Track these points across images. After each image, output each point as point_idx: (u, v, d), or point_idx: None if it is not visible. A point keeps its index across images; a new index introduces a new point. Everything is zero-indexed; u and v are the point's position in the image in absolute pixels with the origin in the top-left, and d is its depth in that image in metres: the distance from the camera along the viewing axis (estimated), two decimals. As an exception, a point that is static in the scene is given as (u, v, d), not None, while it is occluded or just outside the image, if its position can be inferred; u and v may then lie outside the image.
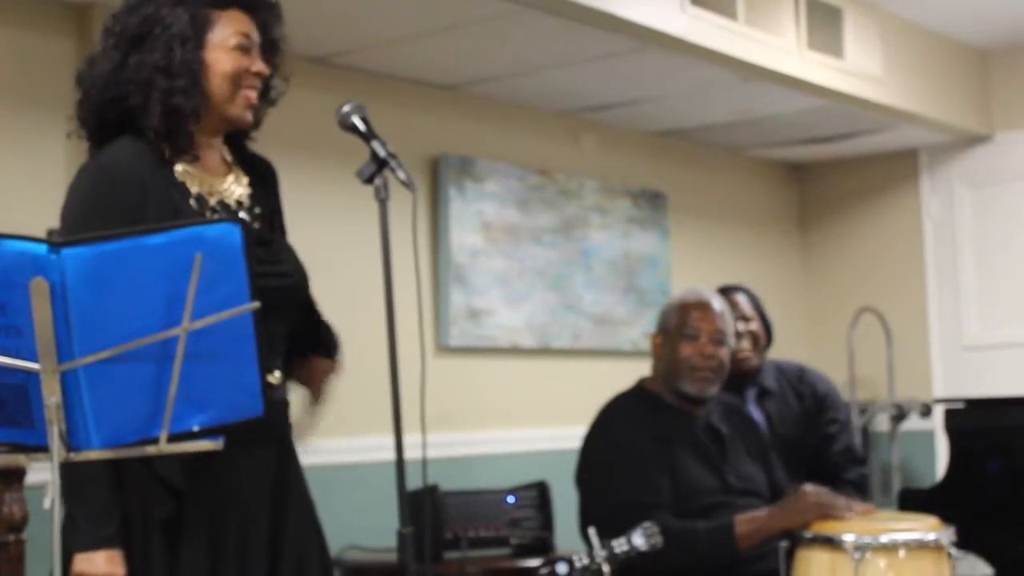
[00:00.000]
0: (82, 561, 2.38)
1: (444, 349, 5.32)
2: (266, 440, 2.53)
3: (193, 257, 2.01)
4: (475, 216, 5.47)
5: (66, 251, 1.99)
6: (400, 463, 2.49)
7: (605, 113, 5.98)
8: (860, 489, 4.50)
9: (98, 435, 2.06)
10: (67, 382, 2.02)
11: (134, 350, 2.02)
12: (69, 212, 2.48)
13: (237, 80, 2.54)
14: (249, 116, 2.59)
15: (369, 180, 2.61)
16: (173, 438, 2.09)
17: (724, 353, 3.93)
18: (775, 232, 7.23)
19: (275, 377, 2.56)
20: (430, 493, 4.33)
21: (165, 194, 2.48)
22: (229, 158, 2.65)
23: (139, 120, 2.49)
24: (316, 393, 2.74)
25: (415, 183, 2.55)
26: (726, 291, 4.57)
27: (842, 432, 4.57)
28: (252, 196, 2.65)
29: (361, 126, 2.61)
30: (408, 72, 5.17)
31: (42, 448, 2.05)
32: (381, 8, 4.41)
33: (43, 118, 4.16)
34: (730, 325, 3.99)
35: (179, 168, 2.54)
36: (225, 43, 2.54)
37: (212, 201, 2.56)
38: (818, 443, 4.51)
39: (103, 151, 2.51)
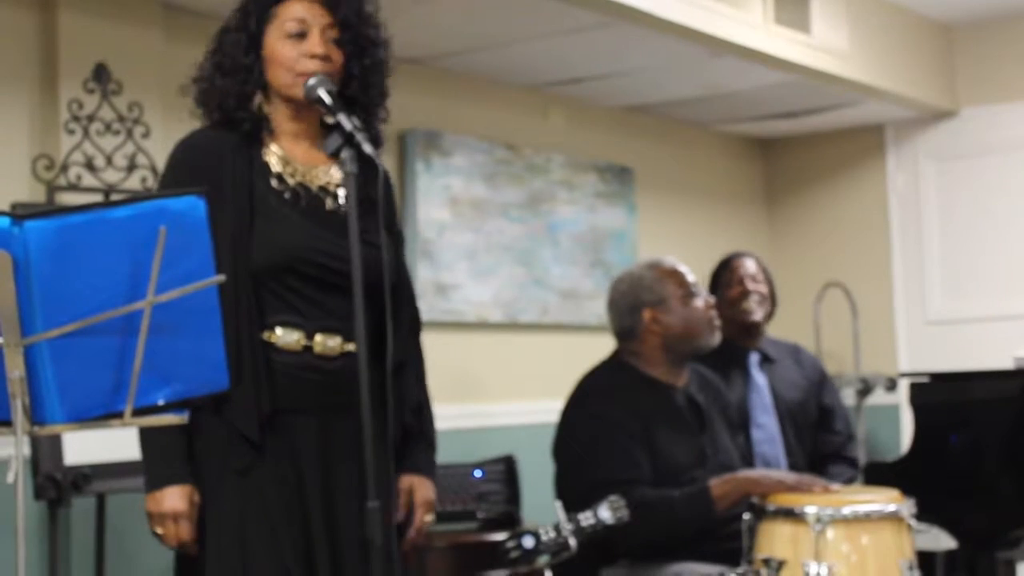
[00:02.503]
0: (150, 501, 2.55)
1: (411, 324, 5.31)
2: (350, 406, 2.56)
3: (157, 230, 2.01)
4: (442, 191, 5.46)
5: (29, 224, 1.98)
6: (366, 438, 2.49)
7: (572, 88, 5.97)
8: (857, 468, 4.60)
9: (62, 409, 2.05)
10: (31, 356, 2.01)
11: (98, 323, 2.02)
12: (159, 182, 2.74)
13: (292, 67, 2.66)
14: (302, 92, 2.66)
15: (335, 154, 2.61)
16: (138, 412, 2.09)
17: None
18: (741, 207, 7.25)
19: (352, 346, 2.61)
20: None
21: (245, 172, 2.63)
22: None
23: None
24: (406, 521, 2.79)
25: (381, 157, 2.55)
26: (735, 256, 4.72)
27: (841, 409, 4.69)
28: (342, 184, 2.71)
29: (327, 99, 2.61)
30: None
31: (5, 422, 2.04)
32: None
33: (7, 91, 4.13)
34: None
35: (268, 151, 2.69)
36: (280, 33, 2.66)
37: (292, 182, 2.68)
38: (822, 415, 4.62)
39: (196, 130, 2.73)
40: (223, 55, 2.69)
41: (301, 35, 2.66)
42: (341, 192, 2.71)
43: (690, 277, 4.00)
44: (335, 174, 2.72)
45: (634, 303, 4.01)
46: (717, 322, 4.00)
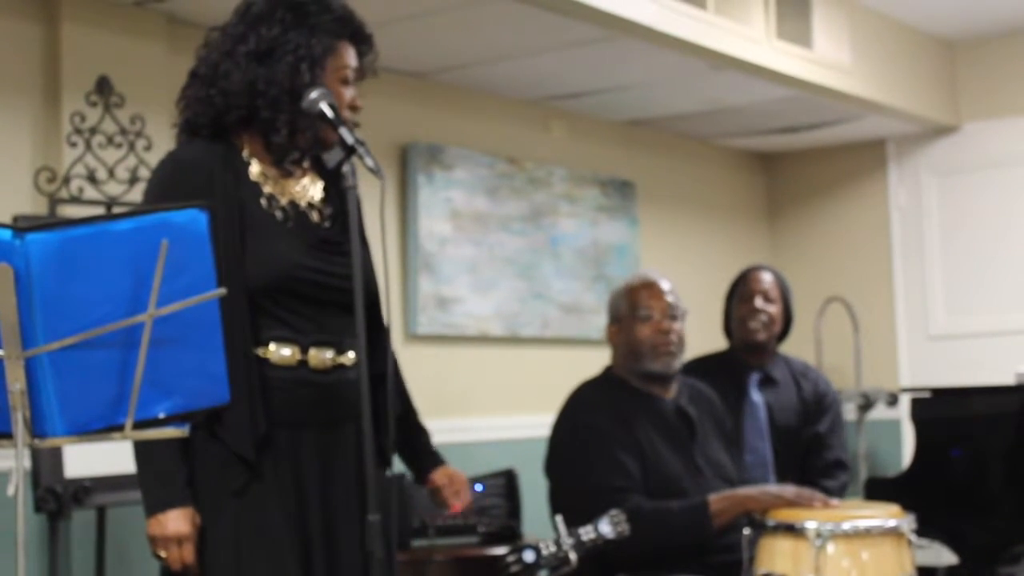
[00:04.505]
0: (152, 525, 2.53)
1: (412, 337, 5.31)
2: (345, 419, 2.62)
3: (159, 243, 2.01)
4: (444, 204, 5.46)
5: (31, 236, 1.98)
6: (367, 451, 2.49)
7: (575, 101, 5.98)
8: (837, 496, 4.56)
9: (63, 422, 2.05)
10: (32, 368, 2.01)
11: (100, 336, 2.01)
12: (145, 197, 2.66)
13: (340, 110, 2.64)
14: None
15: (337, 167, 2.61)
16: (139, 425, 2.08)
17: (679, 327, 3.97)
18: (743, 221, 7.25)
19: (348, 359, 2.65)
20: (398, 481, 4.33)
21: (234, 192, 2.60)
22: (306, 163, 2.74)
23: (263, 130, 2.64)
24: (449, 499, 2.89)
25: (383, 170, 2.55)
26: (752, 269, 4.68)
27: (834, 434, 4.61)
28: (325, 199, 2.74)
29: (329, 112, 2.61)
30: (377, 60, 5.15)
31: (6, 435, 2.04)
32: (350, -5, 4.40)
33: (9, 103, 4.13)
34: (680, 301, 4.02)
35: (255, 169, 2.66)
36: (337, 74, 2.67)
37: (283, 201, 2.67)
38: (810, 441, 4.56)
39: (180, 146, 2.69)
40: (291, 81, 2.61)
41: (349, 82, 2.71)
42: (323, 206, 2.73)
43: (650, 299, 3.96)
44: (308, 190, 2.73)
45: (609, 316, 4.07)
46: (666, 348, 3.93)
